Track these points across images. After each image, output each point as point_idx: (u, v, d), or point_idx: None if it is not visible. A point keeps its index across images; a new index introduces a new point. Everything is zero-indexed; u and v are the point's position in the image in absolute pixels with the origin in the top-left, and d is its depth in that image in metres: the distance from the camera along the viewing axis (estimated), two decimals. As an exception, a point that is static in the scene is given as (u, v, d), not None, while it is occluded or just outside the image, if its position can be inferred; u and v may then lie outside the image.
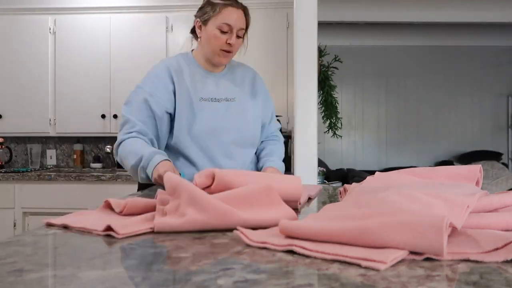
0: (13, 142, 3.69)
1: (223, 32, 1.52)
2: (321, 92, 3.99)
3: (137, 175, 1.45)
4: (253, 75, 1.73)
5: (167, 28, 3.34)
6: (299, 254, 0.59)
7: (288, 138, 3.36)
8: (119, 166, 3.56)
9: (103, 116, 3.34)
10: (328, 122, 4.03)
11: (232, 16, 1.52)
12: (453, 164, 5.82)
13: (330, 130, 4.04)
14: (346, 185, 1.11)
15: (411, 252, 0.55)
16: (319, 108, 3.88)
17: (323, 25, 3.75)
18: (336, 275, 0.50)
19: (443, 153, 6.32)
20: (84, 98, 3.37)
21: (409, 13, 4.92)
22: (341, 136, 4.16)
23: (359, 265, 0.53)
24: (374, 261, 0.52)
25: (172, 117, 1.55)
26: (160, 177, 1.32)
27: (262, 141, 1.74)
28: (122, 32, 3.36)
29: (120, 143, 1.50)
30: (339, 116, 4.11)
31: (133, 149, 1.45)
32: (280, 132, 1.82)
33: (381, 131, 6.43)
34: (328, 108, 4.00)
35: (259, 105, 1.68)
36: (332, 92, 4.19)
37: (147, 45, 3.35)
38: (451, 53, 6.34)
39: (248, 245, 0.64)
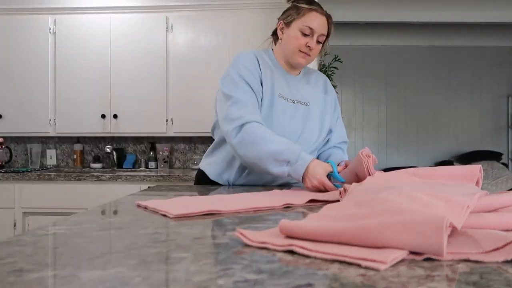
0: (13, 142, 3.69)
1: (304, 35, 1.54)
2: (321, 92, 3.99)
3: (267, 163, 1.36)
4: (325, 80, 1.75)
5: (167, 28, 3.34)
6: (299, 254, 0.59)
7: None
8: (119, 165, 3.56)
9: (103, 116, 3.34)
10: (328, 122, 4.03)
11: (315, 20, 1.53)
12: (453, 164, 5.81)
13: (330, 130, 4.04)
14: (346, 185, 1.11)
15: (411, 252, 0.55)
16: (319, 108, 3.87)
17: (323, 25, 3.74)
18: (336, 275, 0.50)
19: (443, 153, 6.32)
20: (84, 98, 3.37)
21: (409, 13, 4.92)
22: (341, 136, 4.16)
23: (359, 265, 0.53)
24: (374, 261, 0.52)
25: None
26: (320, 182, 1.29)
27: (325, 150, 1.68)
28: (122, 32, 3.36)
29: (244, 124, 1.40)
30: (339, 116, 4.11)
31: (271, 136, 1.37)
32: (345, 146, 1.75)
33: (381, 131, 6.43)
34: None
35: (328, 112, 1.67)
36: (332, 92, 4.17)
37: (147, 45, 3.35)
38: (451, 53, 6.34)
39: (248, 245, 0.64)
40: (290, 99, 1.58)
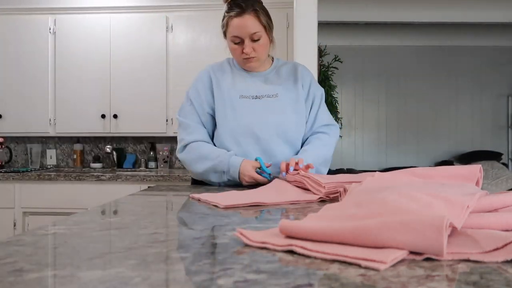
0: (13, 142, 3.69)
1: (236, 44, 1.55)
2: (321, 92, 3.99)
3: (210, 176, 1.54)
4: (295, 66, 1.70)
5: (167, 28, 3.34)
6: (299, 254, 0.59)
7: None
8: (119, 165, 3.56)
9: (103, 116, 3.34)
10: (328, 122, 4.03)
11: (237, 27, 1.51)
12: (453, 164, 5.81)
13: (330, 130, 4.04)
14: (346, 185, 1.11)
15: (411, 252, 0.55)
16: (319, 108, 3.87)
17: (323, 25, 3.75)
18: (336, 275, 0.50)
19: (443, 153, 6.32)
20: (84, 98, 3.37)
21: (409, 13, 4.92)
22: (341, 136, 4.16)
23: (359, 265, 0.53)
24: (374, 261, 0.52)
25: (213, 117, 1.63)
26: (250, 177, 1.47)
27: (307, 138, 1.66)
28: (122, 32, 3.36)
29: (185, 146, 1.58)
30: (339, 116, 4.11)
31: (205, 153, 1.54)
32: (332, 130, 1.70)
33: (381, 131, 6.43)
34: (328, 108, 4.01)
35: (301, 97, 1.63)
36: (332, 92, 4.19)
37: (147, 45, 3.35)
38: (451, 53, 6.34)
39: (248, 245, 0.64)
40: (256, 96, 1.59)
